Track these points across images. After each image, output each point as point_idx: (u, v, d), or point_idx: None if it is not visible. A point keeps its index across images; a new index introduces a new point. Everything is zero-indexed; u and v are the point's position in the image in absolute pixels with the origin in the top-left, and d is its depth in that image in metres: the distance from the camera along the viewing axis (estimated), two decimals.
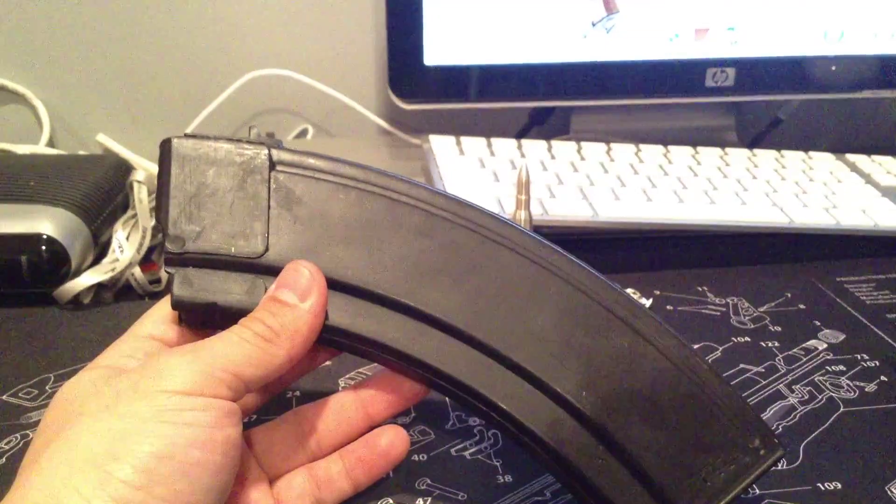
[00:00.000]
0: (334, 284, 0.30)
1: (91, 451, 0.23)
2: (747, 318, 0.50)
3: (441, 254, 0.31)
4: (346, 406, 0.33)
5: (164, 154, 0.31)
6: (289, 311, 0.28)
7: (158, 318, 0.31)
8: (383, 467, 0.33)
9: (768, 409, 0.41)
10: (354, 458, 0.33)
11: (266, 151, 0.31)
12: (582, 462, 0.30)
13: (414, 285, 0.31)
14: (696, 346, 0.47)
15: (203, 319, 0.31)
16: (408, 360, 0.31)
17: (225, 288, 0.30)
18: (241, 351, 0.27)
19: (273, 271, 0.30)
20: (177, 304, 0.30)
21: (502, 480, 0.36)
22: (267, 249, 0.30)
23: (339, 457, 0.33)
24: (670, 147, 0.65)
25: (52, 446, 0.24)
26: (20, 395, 0.42)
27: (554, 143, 0.64)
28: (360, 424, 0.33)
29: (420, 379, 0.33)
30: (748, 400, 0.42)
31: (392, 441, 0.33)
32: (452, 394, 0.32)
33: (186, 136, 0.31)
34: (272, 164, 0.31)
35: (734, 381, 0.44)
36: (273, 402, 0.36)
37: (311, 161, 0.31)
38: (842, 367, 0.45)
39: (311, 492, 0.32)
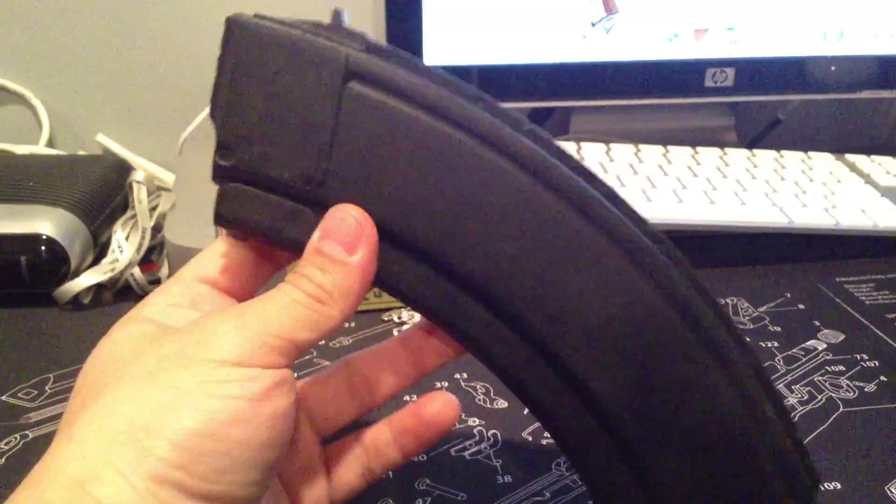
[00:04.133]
0: (386, 234, 0.27)
1: (130, 424, 0.22)
2: (747, 318, 0.50)
3: (520, 229, 0.26)
4: (396, 355, 0.32)
5: (228, 37, 0.26)
6: (339, 267, 0.26)
7: (207, 261, 0.29)
8: (432, 436, 0.31)
9: None
10: (402, 428, 0.31)
11: (345, 54, 0.26)
12: (604, 476, 0.28)
13: (475, 253, 0.26)
14: None
15: (244, 237, 0.28)
16: (454, 332, 0.28)
17: (270, 213, 0.26)
18: (293, 314, 0.25)
19: (325, 206, 0.26)
20: (218, 221, 0.27)
21: (502, 480, 0.36)
22: (322, 182, 0.26)
23: (387, 426, 0.32)
24: (670, 147, 0.65)
25: (90, 411, 0.23)
26: (20, 395, 0.42)
27: None
28: (411, 374, 0.32)
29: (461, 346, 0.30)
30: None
31: (440, 409, 0.31)
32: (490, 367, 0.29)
33: (256, 16, 0.26)
34: (348, 74, 0.26)
35: None
36: None
37: (397, 80, 0.26)
38: (841, 367, 0.45)
39: (361, 460, 0.31)
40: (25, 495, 0.21)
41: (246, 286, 0.29)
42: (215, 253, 0.29)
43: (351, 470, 0.31)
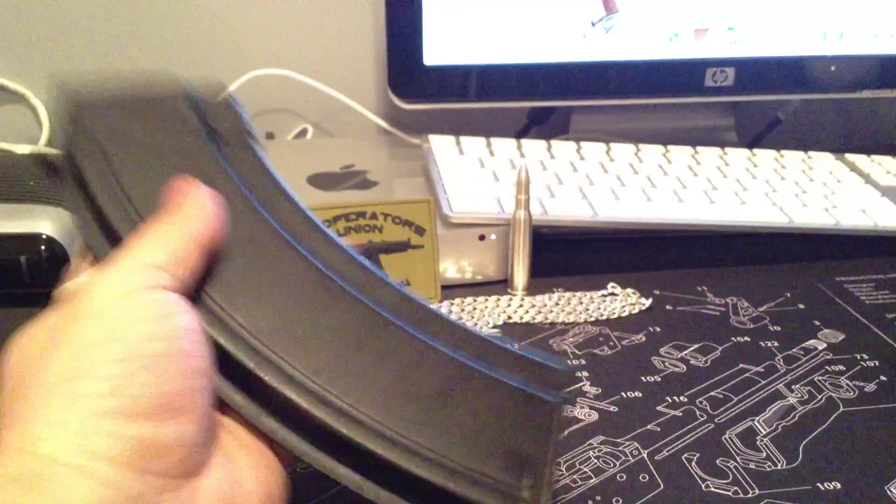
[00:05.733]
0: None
1: (48, 382, 0.23)
2: (747, 318, 0.50)
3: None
4: None
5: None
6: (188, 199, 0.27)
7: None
8: None
9: (768, 409, 0.41)
10: None
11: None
12: None
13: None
14: (695, 346, 0.47)
15: None
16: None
17: None
18: (151, 238, 0.26)
19: None
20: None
21: None
22: None
23: None
24: (670, 147, 0.65)
25: (7, 403, 0.23)
26: None
27: (553, 143, 0.64)
28: None
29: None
30: (746, 399, 0.42)
31: None
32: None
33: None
34: None
35: (733, 382, 0.44)
36: None
37: None
38: (841, 367, 0.45)
39: None
40: None
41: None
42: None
43: None
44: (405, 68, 0.62)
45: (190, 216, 0.27)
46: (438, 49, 0.62)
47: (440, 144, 0.62)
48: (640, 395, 0.43)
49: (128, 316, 0.24)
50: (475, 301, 0.51)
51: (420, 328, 0.29)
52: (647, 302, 0.52)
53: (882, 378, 0.44)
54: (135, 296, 0.24)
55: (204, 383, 0.25)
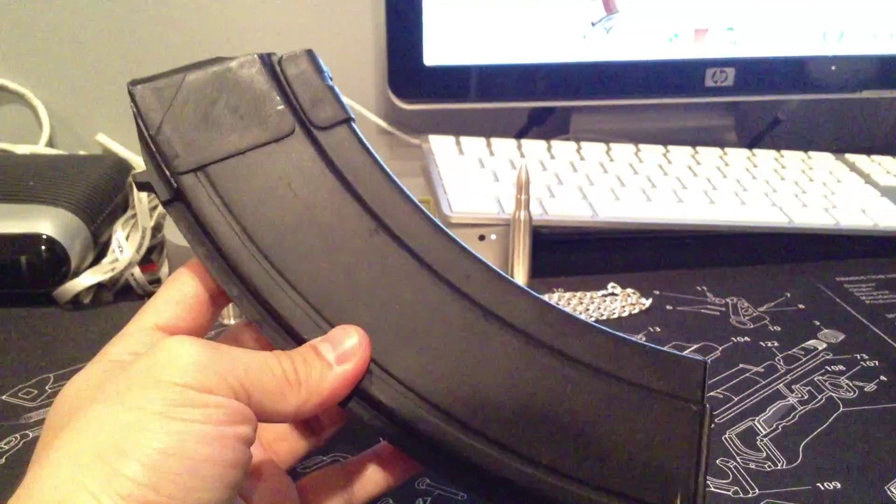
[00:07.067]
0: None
1: (99, 445, 0.23)
2: (747, 317, 0.50)
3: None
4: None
5: None
6: (321, 366, 0.27)
7: (163, 307, 0.30)
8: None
9: (768, 409, 0.41)
10: (390, 453, 0.32)
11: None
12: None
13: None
14: (695, 346, 0.47)
15: None
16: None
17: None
18: (260, 375, 0.26)
19: None
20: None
21: None
22: None
23: (374, 454, 0.33)
24: (670, 147, 0.65)
25: (63, 437, 0.24)
26: (20, 395, 0.42)
27: (553, 143, 0.64)
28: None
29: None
30: (746, 399, 0.42)
31: None
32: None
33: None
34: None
35: (733, 382, 0.44)
36: None
37: None
38: (841, 367, 0.45)
39: (344, 490, 0.32)
40: None
41: (199, 328, 0.30)
42: (170, 299, 0.30)
43: (331, 500, 0.31)
44: (405, 68, 0.62)
45: (306, 390, 0.27)
46: (438, 49, 0.62)
47: (440, 144, 0.62)
48: None
49: (191, 412, 0.24)
50: None
51: (556, 336, 0.28)
52: (647, 302, 0.52)
53: (882, 378, 0.44)
54: (206, 395, 0.24)
55: (236, 494, 0.25)
